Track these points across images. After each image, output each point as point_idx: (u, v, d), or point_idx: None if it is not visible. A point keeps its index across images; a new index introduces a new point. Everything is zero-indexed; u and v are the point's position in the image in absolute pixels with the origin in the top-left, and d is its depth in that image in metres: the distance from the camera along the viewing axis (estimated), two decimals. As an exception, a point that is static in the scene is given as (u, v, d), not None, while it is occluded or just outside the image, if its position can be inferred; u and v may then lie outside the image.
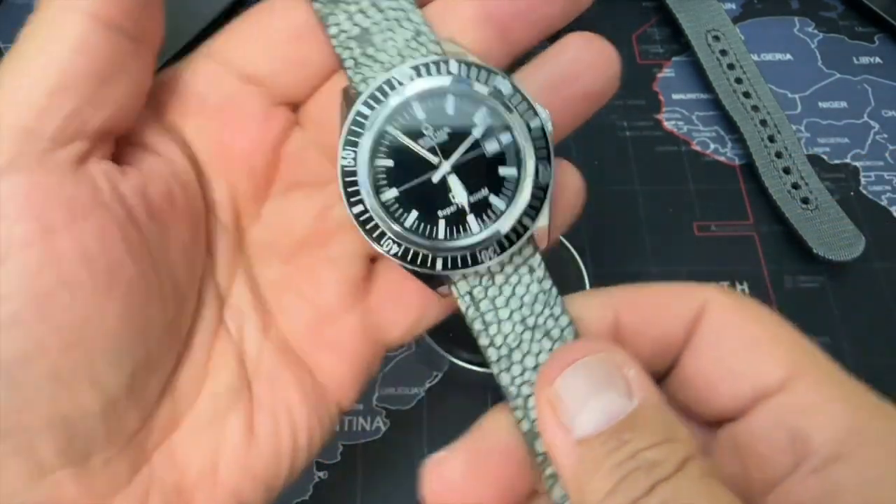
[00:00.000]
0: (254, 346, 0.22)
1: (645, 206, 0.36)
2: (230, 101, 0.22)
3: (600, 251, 0.35)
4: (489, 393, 0.32)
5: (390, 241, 0.20)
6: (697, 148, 0.38)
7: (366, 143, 0.20)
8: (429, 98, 0.20)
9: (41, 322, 0.17)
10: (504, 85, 0.20)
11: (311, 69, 0.22)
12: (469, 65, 0.20)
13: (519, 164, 0.20)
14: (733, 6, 0.43)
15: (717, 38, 0.40)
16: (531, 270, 0.20)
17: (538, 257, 0.20)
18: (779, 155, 0.36)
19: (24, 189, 0.17)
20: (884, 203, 0.36)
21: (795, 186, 0.36)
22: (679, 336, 0.20)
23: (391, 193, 0.20)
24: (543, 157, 0.20)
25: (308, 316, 0.22)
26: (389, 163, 0.20)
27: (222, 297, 0.22)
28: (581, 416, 0.17)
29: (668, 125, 0.39)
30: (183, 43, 0.40)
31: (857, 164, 0.37)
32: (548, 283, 0.20)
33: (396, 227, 0.20)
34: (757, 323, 0.19)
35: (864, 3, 0.42)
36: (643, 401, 0.17)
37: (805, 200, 0.35)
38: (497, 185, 0.20)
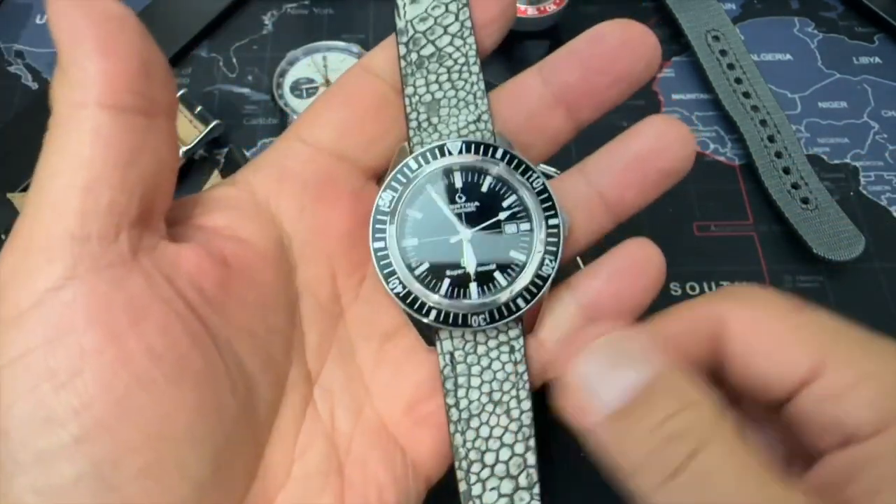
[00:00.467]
0: (344, 427, 0.22)
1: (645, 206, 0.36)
2: (327, 180, 0.23)
3: (600, 252, 0.35)
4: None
5: (397, 281, 0.22)
6: (697, 148, 0.38)
7: (405, 191, 0.22)
8: (470, 172, 0.22)
9: (124, 423, 0.17)
10: (538, 182, 0.22)
11: (392, 139, 0.23)
12: (514, 157, 0.22)
13: (529, 252, 0.22)
14: (733, 6, 0.43)
15: (716, 38, 0.40)
16: (511, 351, 0.22)
17: (521, 341, 0.22)
18: (778, 155, 0.36)
19: (87, 298, 0.17)
20: (883, 203, 0.36)
21: (795, 186, 0.36)
22: (710, 352, 0.20)
23: (412, 242, 0.22)
24: (552, 252, 0.22)
25: (406, 393, 0.23)
26: (419, 215, 0.22)
27: (311, 377, 0.22)
28: (606, 394, 0.17)
29: (667, 125, 0.39)
30: (184, 42, 0.40)
31: (856, 164, 0.37)
32: (522, 367, 0.22)
33: (406, 272, 0.22)
34: (775, 320, 0.19)
35: (864, 3, 0.42)
36: (661, 367, 0.17)
37: (805, 200, 0.35)
38: (505, 264, 0.22)
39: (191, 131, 0.35)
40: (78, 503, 0.17)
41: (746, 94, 0.38)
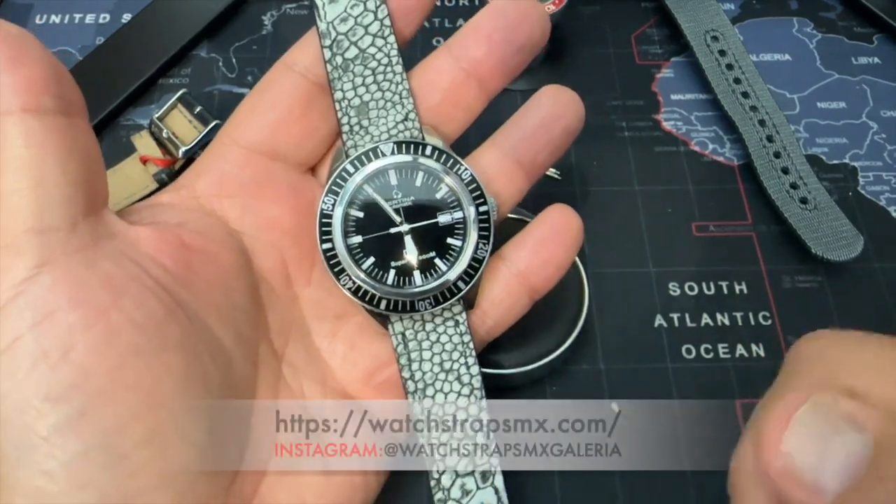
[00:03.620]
0: (314, 396, 0.24)
1: (644, 206, 0.36)
2: (264, 179, 0.24)
3: (599, 251, 0.35)
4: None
5: (348, 277, 0.23)
6: (696, 148, 0.38)
7: (345, 194, 0.24)
8: (403, 169, 0.24)
9: (124, 390, 0.18)
10: (466, 174, 0.24)
11: (320, 136, 0.25)
12: (442, 152, 0.24)
13: (464, 237, 0.24)
14: (732, 7, 0.43)
15: (715, 38, 0.40)
16: (456, 324, 0.24)
17: (464, 315, 0.24)
18: (777, 155, 0.37)
19: (66, 280, 0.18)
20: (882, 203, 0.36)
21: (794, 186, 0.36)
22: None
23: (356, 239, 0.24)
24: (484, 237, 0.24)
25: (362, 365, 0.25)
26: (360, 214, 0.24)
27: (278, 355, 0.24)
28: (825, 474, 0.15)
29: (666, 125, 0.39)
30: (184, 42, 0.40)
31: (855, 164, 0.37)
32: (467, 338, 0.24)
33: (355, 268, 0.23)
34: None
35: (863, 3, 0.42)
36: (877, 430, 0.15)
37: (804, 200, 0.35)
38: (443, 250, 0.24)
39: (190, 132, 0.35)
40: (88, 477, 0.17)
41: (745, 95, 0.38)
